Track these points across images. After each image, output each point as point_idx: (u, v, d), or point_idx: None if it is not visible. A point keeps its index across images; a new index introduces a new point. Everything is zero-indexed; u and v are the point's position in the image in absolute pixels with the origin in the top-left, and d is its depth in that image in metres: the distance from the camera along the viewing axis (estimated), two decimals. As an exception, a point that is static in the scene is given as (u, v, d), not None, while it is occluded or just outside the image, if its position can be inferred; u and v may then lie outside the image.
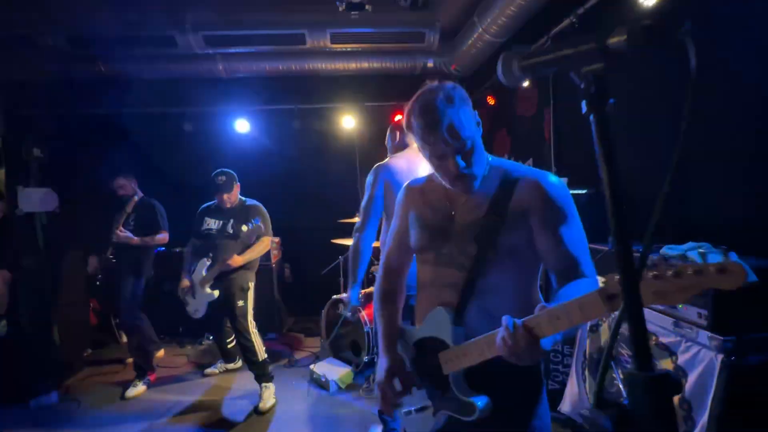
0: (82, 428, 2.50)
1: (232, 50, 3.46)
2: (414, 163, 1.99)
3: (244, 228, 2.60)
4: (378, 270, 1.23)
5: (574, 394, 1.97)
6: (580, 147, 2.63)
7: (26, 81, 3.74)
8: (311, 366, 3.05)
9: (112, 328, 3.86)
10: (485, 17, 2.89)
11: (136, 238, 2.98)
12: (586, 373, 1.93)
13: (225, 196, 2.71)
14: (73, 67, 3.52)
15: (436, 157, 0.95)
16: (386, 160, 2.03)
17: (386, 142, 2.20)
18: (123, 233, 2.96)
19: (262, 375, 2.72)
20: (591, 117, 0.47)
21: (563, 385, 2.07)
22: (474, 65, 3.63)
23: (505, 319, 0.76)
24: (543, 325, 0.73)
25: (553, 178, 0.97)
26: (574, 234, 0.93)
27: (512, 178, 0.98)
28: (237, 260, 2.66)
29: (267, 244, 2.80)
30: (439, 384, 0.97)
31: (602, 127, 0.47)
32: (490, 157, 1.03)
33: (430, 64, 3.96)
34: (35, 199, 3.19)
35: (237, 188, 2.79)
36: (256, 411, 2.60)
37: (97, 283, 2.98)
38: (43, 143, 3.37)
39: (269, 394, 2.69)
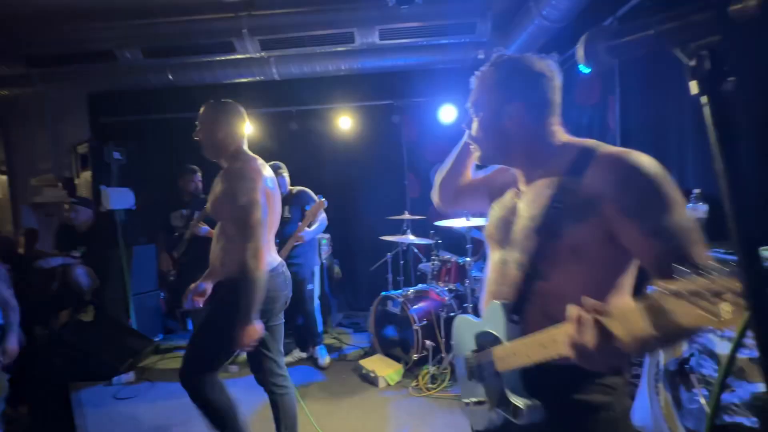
0: (156, 405, 2.73)
1: (285, 52, 3.58)
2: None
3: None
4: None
5: (645, 406, 1.80)
6: (650, 138, 2.40)
7: (108, 91, 4.15)
8: (360, 361, 3.09)
9: (181, 316, 4.19)
10: (543, 0, 2.72)
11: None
12: (659, 385, 1.76)
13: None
14: (146, 77, 3.85)
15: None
16: (259, 163, 1.67)
17: (216, 140, 1.67)
18: (206, 227, 3.18)
19: (316, 342, 3.09)
20: (704, 99, 0.41)
21: (632, 396, 1.91)
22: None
23: (570, 308, 0.65)
24: (615, 318, 0.59)
25: (640, 157, 0.79)
26: (674, 222, 0.73)
27: (586, 159, 0.83)
28: (303, 230, 2.82)
29: (320, 205, 2.81)
30: (494, 380, 0.93)
31: (719, 110, 0.40)
32: (565, 137, 0.94)
33: (481, 56, 3.83)
34: (115, 198, 3.53)
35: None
36: (318, 366, 3.06)
37: (171, 278, 3.24)
38: (122, 147, 3.72)
39: (324, 352, 3.06)
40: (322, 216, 2.99)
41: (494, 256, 1.01)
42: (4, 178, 4.68)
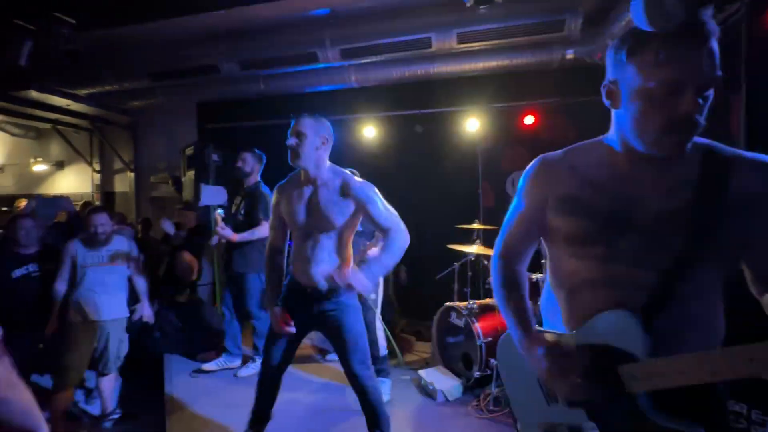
0: (232, 383, 2.99)
1: (364, 60, 3.69)
2: None
3: None
4: (492, 259, 1.08)
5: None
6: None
7: (212, 101, 4.73)
8: (420, 371, 3.01)
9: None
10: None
11: (235, 235, 2.88)
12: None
13: None
14: (242, 87, 4.29)
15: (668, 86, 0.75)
16: None
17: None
18: (223, 230, 2.83)
19: (380, 370, 2.78)
20: None
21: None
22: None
23: None
24: None
25: None
26: None
27: (723, 158, 0.81)
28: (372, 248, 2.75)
29: None
30: (616, 404, 0.79)
31: None
32: None
33: (569, 56, 3.51)
34: (211, 194, 3.98)
35: None
36: None
37: None
38: (219, 150, 4.18)
39: (385, 390, 2.74)
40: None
41: (593, 256, 0.85)
42: (132, 175, 5.61)
